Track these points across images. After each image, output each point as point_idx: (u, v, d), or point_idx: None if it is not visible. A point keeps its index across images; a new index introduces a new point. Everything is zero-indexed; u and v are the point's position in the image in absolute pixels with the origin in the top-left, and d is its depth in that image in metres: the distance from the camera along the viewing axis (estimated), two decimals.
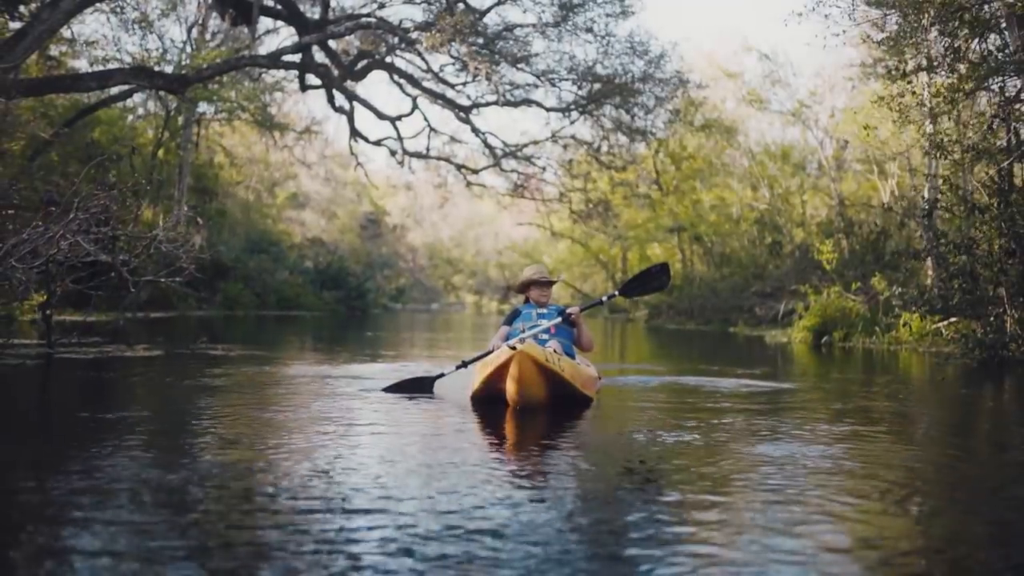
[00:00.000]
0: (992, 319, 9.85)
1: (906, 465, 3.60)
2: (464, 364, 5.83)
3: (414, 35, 18.11)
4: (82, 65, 22.08)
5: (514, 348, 4.79)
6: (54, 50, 20.23)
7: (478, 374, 5.36)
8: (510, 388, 4.90)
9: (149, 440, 3.87)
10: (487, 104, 22.85)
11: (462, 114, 23.47)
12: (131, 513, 2.57)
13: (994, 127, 10.48)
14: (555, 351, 5.21)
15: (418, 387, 5.82)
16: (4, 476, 3.10)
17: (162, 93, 22.39)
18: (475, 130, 24.24)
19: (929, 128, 11.59)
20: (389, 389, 5.83)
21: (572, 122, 23.77)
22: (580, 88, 21.54)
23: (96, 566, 2.09)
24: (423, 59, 21.57)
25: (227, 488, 2.90)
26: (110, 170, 20.18)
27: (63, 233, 7.16)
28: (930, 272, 13.55)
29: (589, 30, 19.62)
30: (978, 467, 3.77)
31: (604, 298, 6.48)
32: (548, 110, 22.76)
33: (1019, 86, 11.14)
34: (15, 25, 16.68)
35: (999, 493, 3.19)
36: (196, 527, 2.43)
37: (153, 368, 7.51)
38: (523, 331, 5.68)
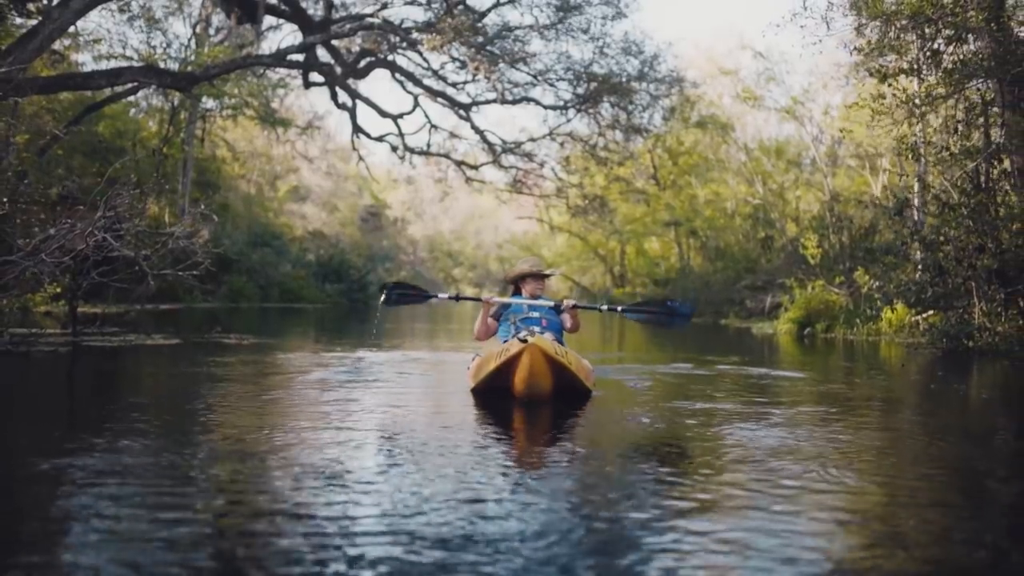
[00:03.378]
0: (960, 311, 10.45)
1: (849, 442, 4.16)
2: (457, 297, 6.28)
3: (416, 36, 18.64)
4: (85, 59, 22.64)
5: (525, 341, 4.78)
6: (57, 44, 20.70)
7: (482, 367, 5.32)
8: (520, 381, 4.91)
9: (169, 423, 4.26)
10: (487, 102, 23.43)
11: (462, 112, 24.03)
12: (143, 495, 2.73)
13: (959, 130, 11.03)
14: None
15: (416, 294, 6.24)
16: (35, 456, 3.32)
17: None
18: (475, 128, 24.81)
19: (905, 130, 12.13)
20: (392, 292, 6.18)
21: (568, 120, 24.34)
22: (576, 87, 22.11)
23: (94, 549, 2.21)
24: (424, 58, 22.11)
25: (230, 474, 3.07)
26: (114, 164, 20.66)
27: (91, 230, 7.72)
28: (919, 267, 14.11)
29: (585, 31, 20.18)
30: (916, 440, 4.34)
31: (603, 308, 6.30)
32: (546, 108, 23.33)
33: (992, 90, 11.68)
34: (19, 21, 17.22)
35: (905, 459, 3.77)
36: (198, 510, 2.57)
37: (174, 356, 8.11)
38: (514, 323, 5.69)
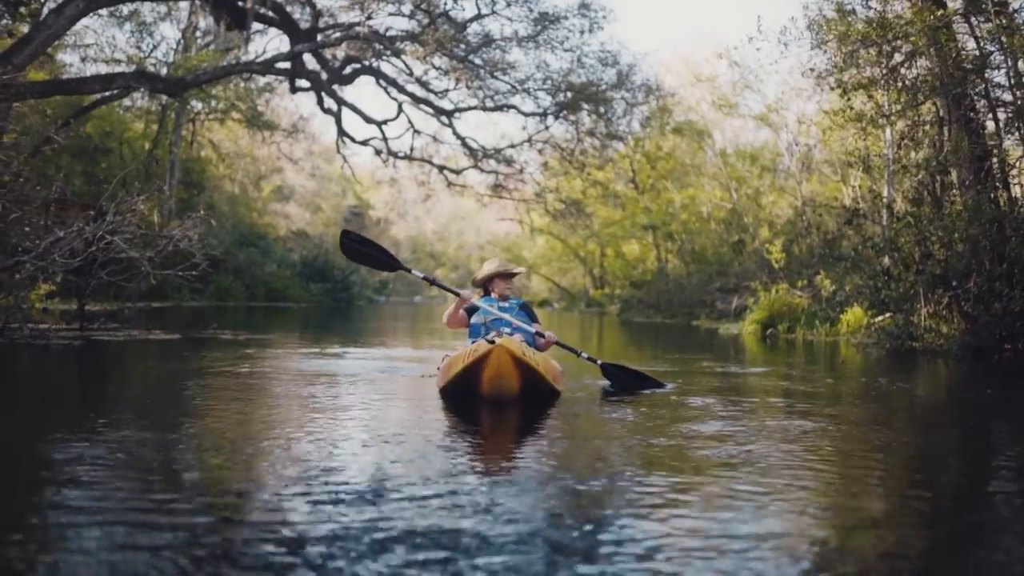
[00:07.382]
0: (906, 313, 11.30)
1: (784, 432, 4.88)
2: (432, 281, 6.35)
3: (401, 45, 19.30)
4: (73, 59, 23.14)
5: (492, 342, 4.86)
6: None
7: (450, 368, 5.37)
8: (487, 381, 4.99)
9: (177, 415, 4.63)
10: (468, 108, 24.16)
11: (444, 119, 24.73)
12: (136, 491, 2.83)
13: (902, 146, 11.87)
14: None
15: (377, 254, 6.21)
16: (40, 446, 3.51)
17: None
18: (456, 134, 25.55)
19: (859, 143, 12.94)
20: (350, 240, 6.17)
21: (547, 127, 25.09)
22: (555, 96, 22.87)
23: (69, 545, 2.27)
24: (407, 66, 22.79)
25: (210, 469, 3.21)
26: (103, 164, 21.12)
27: (101, 233, 8.37)
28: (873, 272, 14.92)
29: (562, 43, 20.92)
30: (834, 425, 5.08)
31: (583, 354, 6.24)
32: (525, 115, 24.07)
33: (942, 107, 12.50)
34: (6, 21, 17.66)
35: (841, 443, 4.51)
36: (185, 500, 2.72)
37: (178, 350, 8.79)
38: (485, 324, 5.78)
